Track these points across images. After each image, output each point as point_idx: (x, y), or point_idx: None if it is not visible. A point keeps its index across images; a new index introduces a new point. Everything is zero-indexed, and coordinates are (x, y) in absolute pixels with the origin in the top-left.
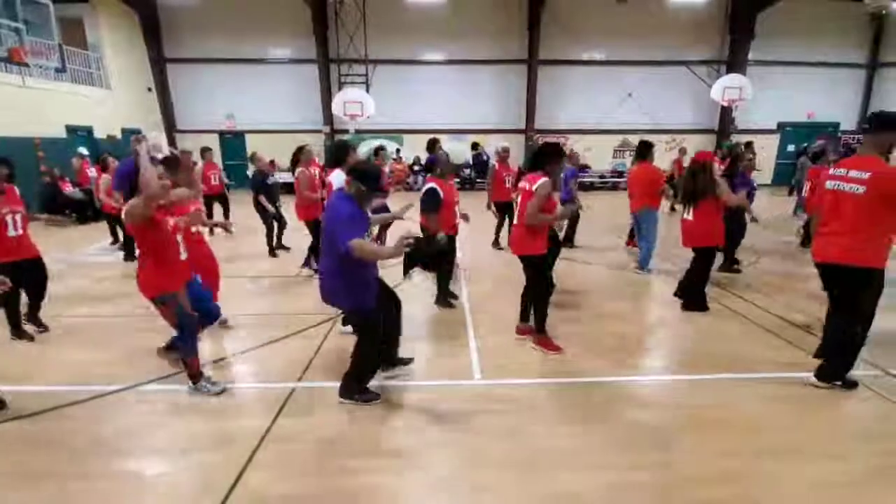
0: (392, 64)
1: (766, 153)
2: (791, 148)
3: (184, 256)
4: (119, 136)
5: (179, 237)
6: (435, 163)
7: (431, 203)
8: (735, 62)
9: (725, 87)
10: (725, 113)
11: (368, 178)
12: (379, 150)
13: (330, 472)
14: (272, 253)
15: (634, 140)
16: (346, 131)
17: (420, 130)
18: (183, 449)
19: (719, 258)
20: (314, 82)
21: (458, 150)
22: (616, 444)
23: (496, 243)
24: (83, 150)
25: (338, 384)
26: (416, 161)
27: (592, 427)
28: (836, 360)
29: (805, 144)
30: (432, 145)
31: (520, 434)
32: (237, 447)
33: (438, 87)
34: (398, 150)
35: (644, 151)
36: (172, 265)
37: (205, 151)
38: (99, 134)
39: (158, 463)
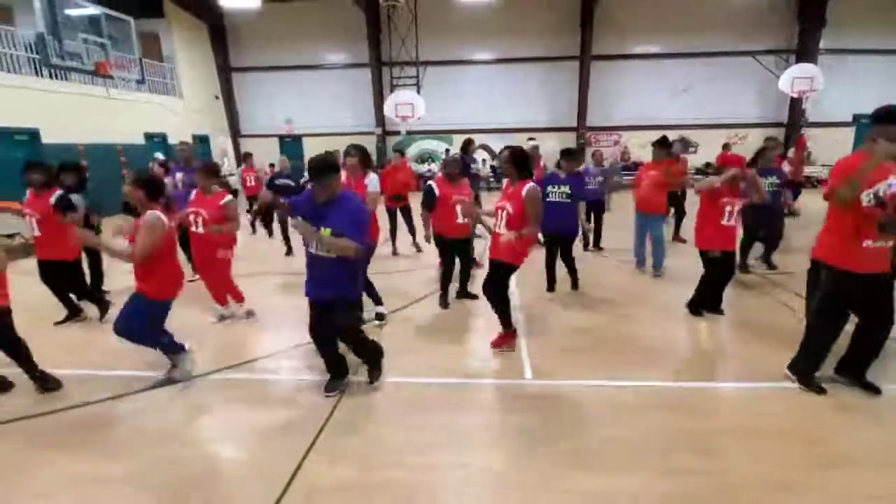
0: (442, 65)
1: (841, 147)
2: None
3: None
4: (190, 141)
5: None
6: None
7: (425, 201)
8: (805, 51)
9: (795, 77)
10: (795, 105)
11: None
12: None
13: (383, 464)
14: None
15: (692, 135)
16: (398, 133)
17: (469, 130)
18: (247, 436)
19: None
20: (367, 85)
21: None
22: (670, 448)
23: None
24: (159, 156)
25: (390, 379)
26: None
27: (646, 431)
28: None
29: None
30: (467, 146)
31: (571, 434)
32: (297, 436)
33: (488, 87)
34: (447, 151)
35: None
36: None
37: (246, 157)
38: (172, 140)
39: (224, 447)
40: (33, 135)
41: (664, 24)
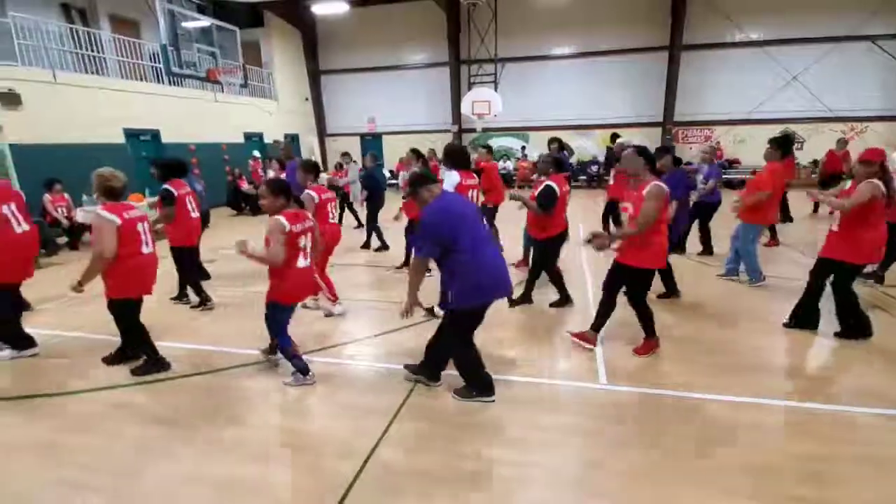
0: (520, 61)
1: None
2: None
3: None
4: (282, 140)
5: None
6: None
7: (545, 203)
8: None
9: None
10: None
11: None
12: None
13: (453, 453)
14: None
15: (798, 129)
16: (474, 130)
17: (547, 127)
18: (329, 415)
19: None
20: (445, 84)
21: (583, 147)
22: (756, 471)
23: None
24: (256, 153)
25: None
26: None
27: (726, 449)
28: None
29: None
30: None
31: (640, 444)
32: (375, 420)
33: (566, 82)
34: (523, 148)
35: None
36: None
37: (343, 155)
38: (267, 139)
39: (306, 423)
40: (155, 135)
41: (765, 7)
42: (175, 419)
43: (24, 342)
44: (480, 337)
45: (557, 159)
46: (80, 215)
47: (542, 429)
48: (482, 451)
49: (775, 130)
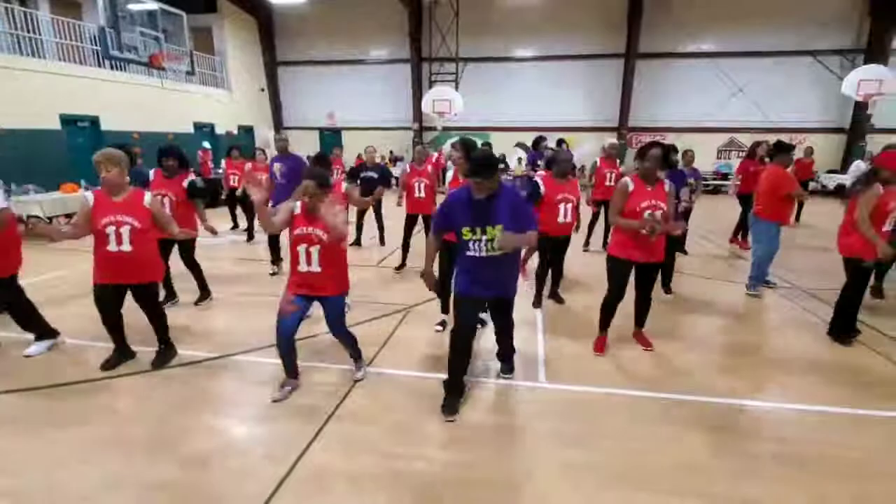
0: (482, 61)
1: None
2: None
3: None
4: (235, 132)
5: None
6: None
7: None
8: (875, 51)
9: (861, 79)
10: (860, 110)
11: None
12: None
13: (388, 455)
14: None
15: (743, 139)
16: (434, 129)
17: (508, 128)
18: (263, 417)
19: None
20: (407, 81)
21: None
22: (697, 468)
23: (587, 244)
24: (206, 144)
25: (403, 372)
26: (502, 159)
27: (671, 446)
28: None
29: None
30: (537, 143)
31: (580, 443)
32: (307, 421)
33: (528, 84)
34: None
35: (774, 152)
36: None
37: (334, 148)
38: (219, 130)
39: (237, 426)
40: (94, 122)
41: (717, 21)
42: (93, 421)
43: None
44: (425, 336)
45: (550, 158)
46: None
47: (480, 428)
48: (415, 452)
49: (723, 139)
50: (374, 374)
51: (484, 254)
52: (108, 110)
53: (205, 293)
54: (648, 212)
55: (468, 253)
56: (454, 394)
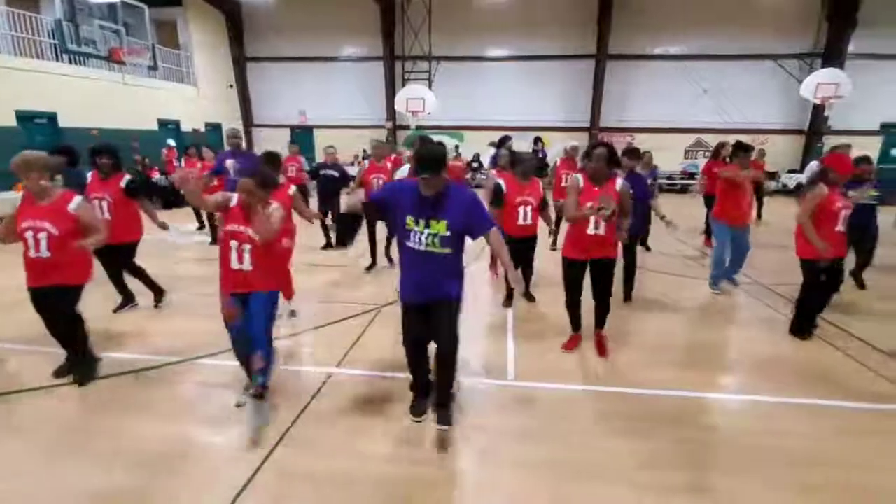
0: (455, 60)
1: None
2: None
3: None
4: (203, 129)
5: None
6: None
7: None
8: (832, 55)
9: (819, 83)
10: (818, 112)
11: None
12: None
13: (354, 455)
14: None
15: (709, 139)
16: (408, 127)
17: (482, 127)
18: (224, 420)
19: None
20: (380, 79)
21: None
22: (657, 461)
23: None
24: (171, 142)
25: (371, 372)
26: (476, 158)
27: (631, 441)
28: None
29: None
30: (502, 142)
31: (547, 439)
32: (271, 425)
33: (502, 84)
34: (457, 147)
35: (734, 152)
36: None
37: (290, 144)
38: (185, 128)
39: (201, 431)
40: (52, 119)
41: (684, 24)
42: (45, 429)
43: None
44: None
45: (513, 158)
46: None
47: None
48: (381, 452)
49: (690, 139)
50: (343, 374)
51: (423, 248)
52: (67, 106)
53: (158, 293)
54: (589, 204)
55: (407, 244)
56: (420, 395)
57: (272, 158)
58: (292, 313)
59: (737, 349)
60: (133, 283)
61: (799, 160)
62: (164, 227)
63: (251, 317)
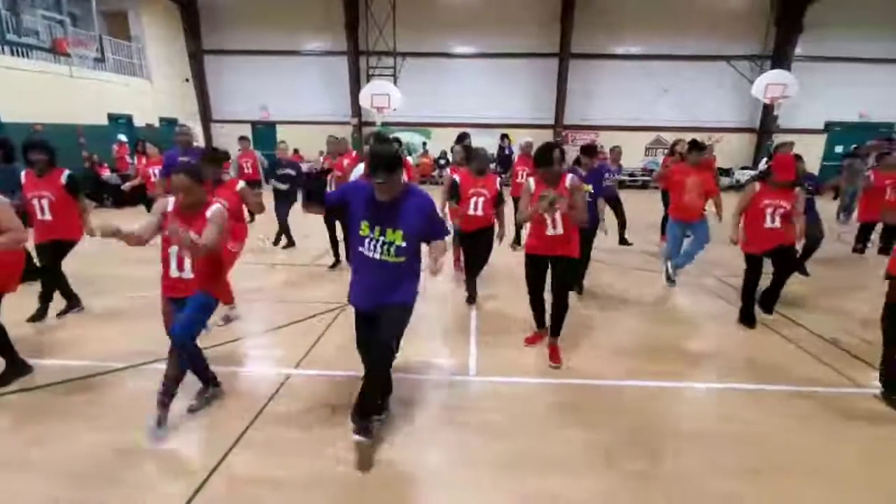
0: (421, 56)
1: (812, 154)
2: (839, 149)
3: None
4: (157, 124)
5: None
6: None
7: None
8: (780, 57)
9: (768, 83)
10: (768, 111)
11: None
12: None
13: (312, 456)
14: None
15: (668, 137)
16: (374, 123)
17: (448, 124)
18: (173, 427)
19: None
20: (344, 75)
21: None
22: (612, 451)
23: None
24: (122, 138)
25: (334, 372)
26: (443, 155)
27: (589, 431)
28: None
29: (854, 146)
30: (461, 139)
31: (509, 433)
32: (226, 429)
33: (468, 81)
34: (424, 144)
35: (689, 150)
36: None
37: (242, 140)
38: (138, 123)
39: (149, 438)
40: None
41: (644, 25)
42: None
43: None
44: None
45: (468, 154)
46: None
47: (408, 424)
48: (340, 453)
49: (650, 137)
50: (302, 375)
51: (377, 256)
52: (8, 100)
53: (72, 300)
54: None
55: (360, 249)
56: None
57: (214, 156)
58: (227, 318)
59: (688, 340)
60: (37, 287)
61: (751, 157)
62: (91, 233)
63: (179, 324)
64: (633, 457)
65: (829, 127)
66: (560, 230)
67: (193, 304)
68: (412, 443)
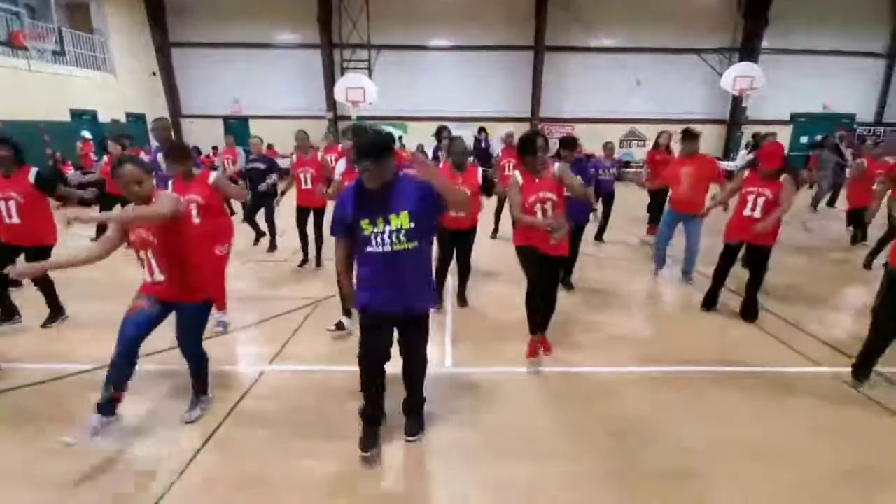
0: (396, 49)
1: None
2: (804, 139)
3: None
4: (123, 119)
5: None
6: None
7: None
8: (747, 50)
9: (736, 76)
10: (737, 103)
11: None
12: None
13: (283, 454)
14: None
15: (642, 129)
16: (349, 118)
17: (425, 118)
18: (141, 427)
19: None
20: (318, 68)
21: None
22: (579, 434)
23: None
24: (86, 134)
25: (307, 367)
26: (420, 149)
27: (555, 416)
28: None
29: (820, 136)
30: (438, 133)
31: (477, 421)
32: (197, 428)
33: (444, 74)
34: (400, 138)
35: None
36: None
37: (226, 136)
38: (103, 118)
39: (117, 439)
40: None
41: (617, 18)
42: None
43: None
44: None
45: (449, 148)
46: None
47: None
48: (311, 449)
49: (624, 129)
50: (276, 371)
51: (389, 248)
52: None
53: (57, 311)
54: (540, 205)
55: (369, 249)
56: (372, 424)
57: (176, 150)
58: (220, 324)
59: (664, 328)
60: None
61: (722, 148)
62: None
63: (181, 337)
64: (605, 441)
65: (794, 118)
66: None
67: (185, 319)
68: (383, 434)
